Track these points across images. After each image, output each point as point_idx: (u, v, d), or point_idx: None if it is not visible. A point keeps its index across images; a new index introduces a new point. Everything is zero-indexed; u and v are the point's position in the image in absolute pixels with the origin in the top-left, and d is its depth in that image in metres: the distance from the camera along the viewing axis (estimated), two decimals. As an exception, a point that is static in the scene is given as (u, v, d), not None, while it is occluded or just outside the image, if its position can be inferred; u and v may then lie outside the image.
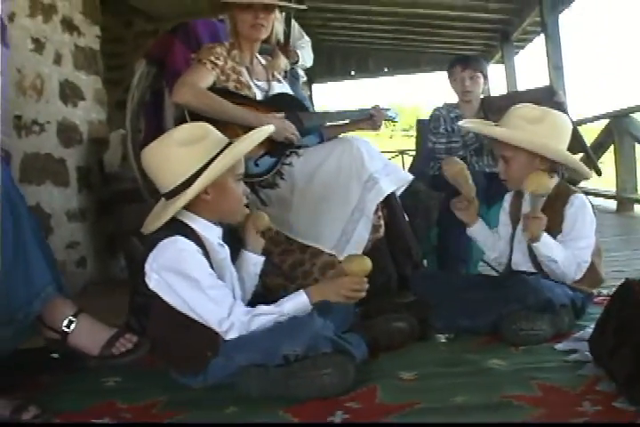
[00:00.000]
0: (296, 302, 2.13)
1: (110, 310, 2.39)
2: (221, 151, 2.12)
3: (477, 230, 2.81)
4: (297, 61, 4.56)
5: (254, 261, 2.40)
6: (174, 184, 2.12)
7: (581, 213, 2.57)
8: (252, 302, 2.22)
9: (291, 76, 4.26)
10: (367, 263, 2.24)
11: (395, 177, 2.90)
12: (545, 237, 2.48)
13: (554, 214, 2.57)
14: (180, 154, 2.11)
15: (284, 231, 2.87)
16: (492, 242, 2.82)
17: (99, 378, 2.22)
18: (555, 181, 2.64)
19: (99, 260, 4.61)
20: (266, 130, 2.32)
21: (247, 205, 2.31)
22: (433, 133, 3.77)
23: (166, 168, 2.14)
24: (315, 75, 13.11)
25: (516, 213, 2.72)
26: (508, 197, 2.84)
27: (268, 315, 2.06)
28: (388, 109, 3.42)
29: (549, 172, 2.63)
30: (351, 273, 2.22)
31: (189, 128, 2.23)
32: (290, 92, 3.27)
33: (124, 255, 4.78)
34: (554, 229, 2.55)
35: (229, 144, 2.16)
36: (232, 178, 2.19)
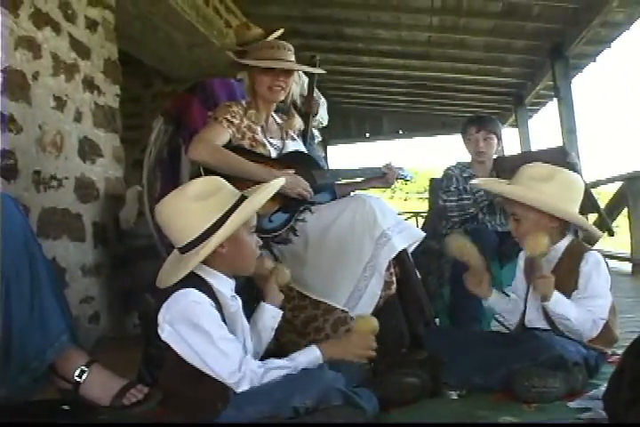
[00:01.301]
0: (309, 357, 2.14)
1: (122, 366, 2.38)
2: (236, 204, 2.15)
3: (494, 302, 2.79)
4: (316, 115, 4.57)
5: (273, 314, 2.40)
6: (189, 238, 2.14)
7: (596, 270, 2.57)
8: (264, 358, 2.22)
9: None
10: (373, 322, 2.28)
11: (407, 234, 2.91)
12: (556, 295, 2.48)
13: (569, 272, 2.58)
14: (194, 208, 2.13)
15: (296, 287, 2.87)
16: (512, 308, 2.80)
17: (108, 429, 2.20)
18: (567, 239, 2.67)
19: (112, 315, 4.60)
20: (278, 182, 2.36)
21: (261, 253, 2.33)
22: (444, 192, 3.78)
23: (181, 223, 2.16)
24: (330, 136, 13.25)
25: (531, 269, 2.73)
26: (522, 255, 2.85)
27: (281, 369, 2.06)
28: (400, 168, 3.45)
29: (561, 230, 2.66)
30: (358, 332, 2.26)
31: (202, 182, 2.25)
32: (303, 150, 3.32)
33: (137, 311, 4.79)
34: (570, 287, 2.56)
35: (242, 197, 2.20)
36: (246, 231, 2.21)
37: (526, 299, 2.72)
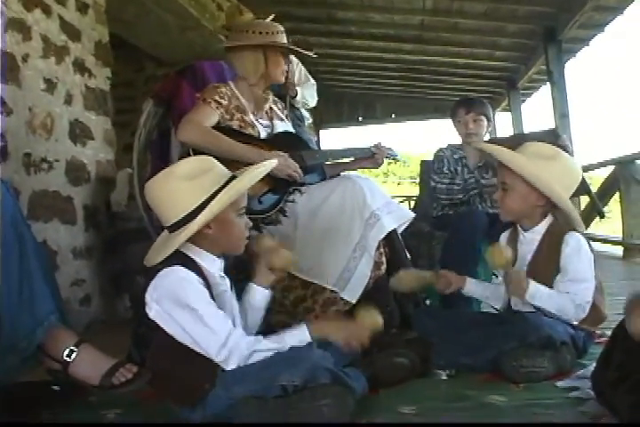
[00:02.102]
0: (297, 337, 2.10)
1: (113, 349, 2.37)
2: (225, 185, 2.13)
3: (472, 290, 2.79)
4: (294, 96, 4.54)
5: (262, 295, 2.36)
6: (177, 217, 2.12)
7: (577, 252, 2.55)
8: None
9: (295, 118, 4.30)
10: (378, 320, 2.20)
11: (397, 214, 2.90)
12: (531, 289, 2.48)
13: (550, 254, 2.57)
14: (183, 188, 2.12)
15: (286, 267, 2.88)
16: (493, 293, 2.80)
17: (99, 410, 2.21)
18: (548, 220, 2.65)
19: (103, 298, 4.60)
20: (268, 164, 2.33)
21: (248, 238, 2.31)
22: (436, 173, 3.78)
23: (169, 202, 2.15)
24: (323, 120, 13.23)
25: (513, 251, 2.72)
26: (503, 237, 2.83)
27: (269, 351, 2.04)
28: (389, 148, 3.45)
29: (544, 211, 2.64)
30: (360, 323, 2.19)
31: (193, 162, 2.24)
32: (292, 130, 3.32)
33: (128, 294, 4.79)
34: (552, 270, 2.56)
35: (232, 177, 2.18)
36: (234, 212, 2.19)
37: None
